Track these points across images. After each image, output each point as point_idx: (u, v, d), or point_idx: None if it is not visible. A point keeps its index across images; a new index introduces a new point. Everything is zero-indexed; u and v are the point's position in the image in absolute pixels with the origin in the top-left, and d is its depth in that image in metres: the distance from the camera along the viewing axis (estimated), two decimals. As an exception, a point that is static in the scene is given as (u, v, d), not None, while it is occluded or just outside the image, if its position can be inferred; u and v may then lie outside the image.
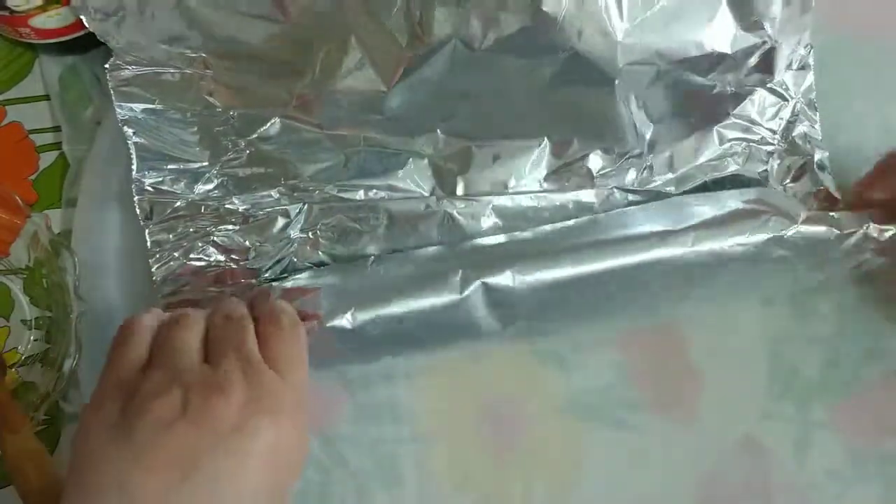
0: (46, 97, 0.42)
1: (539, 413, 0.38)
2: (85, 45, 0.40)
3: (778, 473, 0.38)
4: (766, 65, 0.39)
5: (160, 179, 0.36)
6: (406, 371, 0.38)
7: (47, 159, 0.41)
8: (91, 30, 0.37)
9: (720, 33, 0.37)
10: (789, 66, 0.40)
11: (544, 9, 0.34)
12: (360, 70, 0.36)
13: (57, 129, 0.41)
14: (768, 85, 0.40)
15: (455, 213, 0.38)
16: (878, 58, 0.41)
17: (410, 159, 0.38)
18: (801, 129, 0.40)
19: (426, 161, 0.38)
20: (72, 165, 0.40)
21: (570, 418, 0.38)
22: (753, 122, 0.40)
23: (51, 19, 0.38)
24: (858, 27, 0.41)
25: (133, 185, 0.36)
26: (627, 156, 0.39)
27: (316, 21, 0.36)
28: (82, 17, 0.37)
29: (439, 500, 0.38)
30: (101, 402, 0.29)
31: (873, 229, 0.35)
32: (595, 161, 0.39)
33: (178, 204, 0.36)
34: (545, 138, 0.38)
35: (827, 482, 0.38)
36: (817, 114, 0.40)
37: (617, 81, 0.36)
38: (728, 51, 0.37)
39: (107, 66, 0.36)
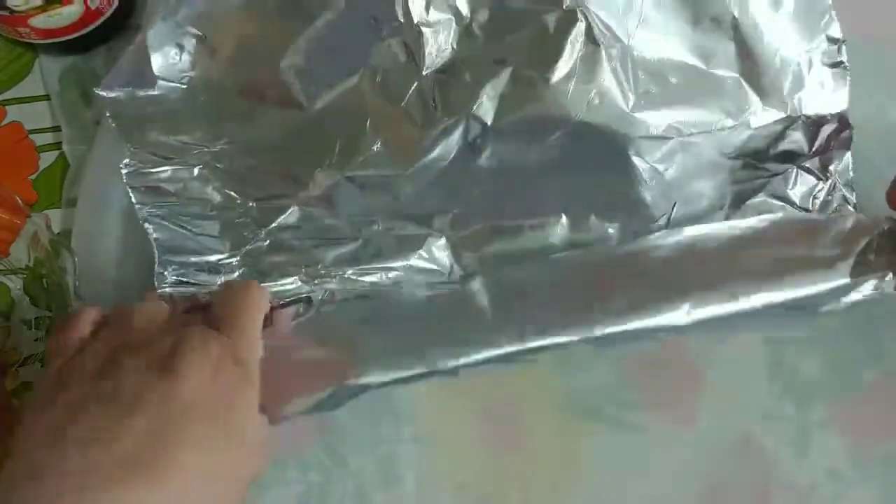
0: (46, 97, 0.42)
1: (539, 413, 0.38)
2: (85, 45, 0.41)
3: (778, 473, 0.38)
4: (799, 144, 0.38)
5: (182, 272, 0.36)
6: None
7: (47, 159, 0.41)
8: (113, 126, 0.36)
9: (744, 109, 0.37)
10: (825, 146, 0.38)
11: (553, 83, 0.35)
12: (377, 155, 0.36)
13: (57, 129, 0.41)
14: (802, 164, 0.38)
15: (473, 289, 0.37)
16: (878, 58, 0.41)
17: (428, 239, 0.38)
18: (836, 205, 0.39)
19: (443, 240, 0.38)
20: (72, 165, 0.41)
21: (570, 418, 0.38)
22: (787, 200, 0.38)
23: (51, 19, 0.38)
24: (859, 27, 0.41)
25: (155, 278, 0.36)
26: (647, 231, 0.38)
27: (332, 108, 0.36)
28: (108, 114, 0.36)
29: (439, 500, 0.38)
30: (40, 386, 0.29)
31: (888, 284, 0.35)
32: (614, 235, 0.38)
33: (201, 294, 0.36)
34: (562, 214, 0.38)
35: (827, 482, 0.38)
36: (854, 193, 0.39)
37: (631, 154, 0.36)
38: (753, 128, 0.37)
39: (123, 165, 0.36)
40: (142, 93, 0.37)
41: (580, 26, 0.36)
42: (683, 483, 0.38)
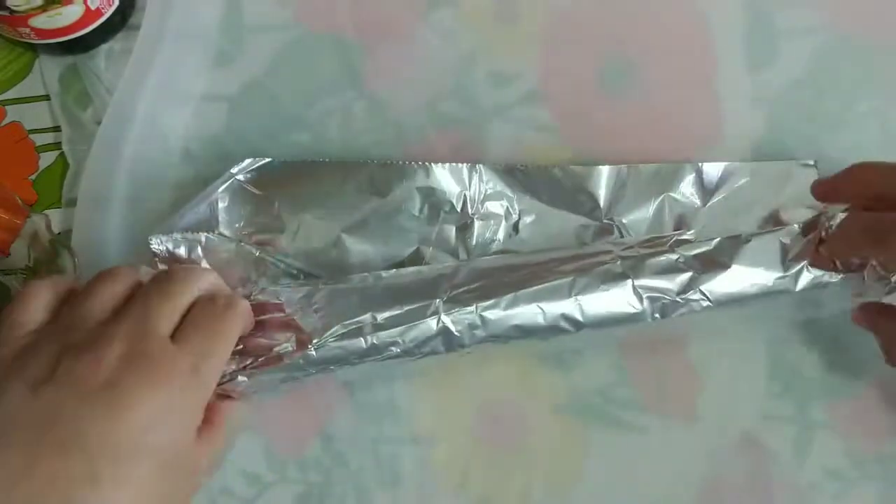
0: (46, 97, 0.42)
1: (539, 413, 0.38)
2: (85, 45, 0.41)
3: (778, 473, 0.38)
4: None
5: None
6: (406, 371, 0.38)
7: (47, 159, 0.41)
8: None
9: None
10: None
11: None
12: None
13: (57, 129, 0.41)
14: None
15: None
16: (878, 58, 0.41)
17: None
18: None
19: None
20: (72, 165, 0.41)
21: (570, 418, 0.38)
22: None
23: (51, 19, 0.38)
24: (858, 27, 0.41)
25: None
26: None
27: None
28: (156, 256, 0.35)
29: (439, 500, 0.38)
30: None
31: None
32: None
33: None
34: None
35: (827, 482, 0.38)
36: None
37: None
38: None
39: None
40: (193, 237, 0.36)
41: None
42: (683, 483, 0.38)
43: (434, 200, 0.39)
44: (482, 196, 0.39)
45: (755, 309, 0.35)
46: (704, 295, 0.34)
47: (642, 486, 0.38)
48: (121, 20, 0.41)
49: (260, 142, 0.40)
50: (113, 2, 0.40)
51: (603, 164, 0.39)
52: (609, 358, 0.39)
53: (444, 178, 0.39)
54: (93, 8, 0.39)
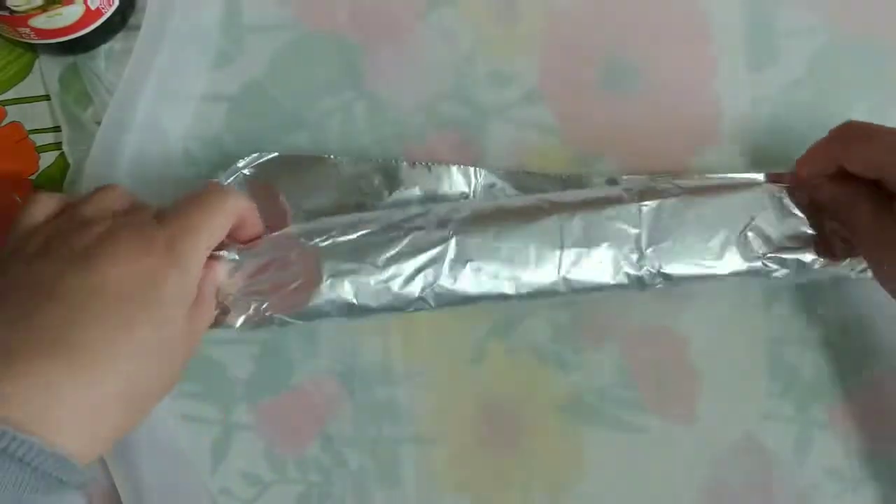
0: (46, 97, 0.42)
1: (539, 413, 0.38)
2: (85, 45, 0.40)
3: (778, 473, 0.38)
4: None
5: None
6: (406, 371, 0.38)
7: (47, 159, 0.41)
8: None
9: None
10: None
11: None
12: None
13: (57, 129, 0.41)
14: None
15: None
16: (878, 58, 0.41)
17: None
18: None
19: None
20: (72, 165, 0.40)
21: (570, 418, 0.38)
22: None
23: (51, 19, 0.38)
24: (858, 27, 0.41)
25: None
26: None
27: None
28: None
29: (439, 500, 0.38)
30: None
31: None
32: None
33: None
34: None
35: (827, 482, 0.38)
36: None
37: None
38: None
39: None
40: None
41: None
42: (683, 483, 0.38)
43: (437, 200, 0.39)
44: (483, 195, 0.39)
45: (725, 204, 0.36)
46: (678, 185, 0.36)
47: (642, 487, 0.38)
48: (121, 20, 0.41)
49: (260, 142, 0.40)
50: (113, 2, 0.40)
51: (603, 164, 0.39)
52: (609, 358, 0.39)
53: (446, 178, 0.39)
54: (93, 8, 0.39)
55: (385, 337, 0.39)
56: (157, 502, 0.37)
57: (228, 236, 0.34)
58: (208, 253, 0.32)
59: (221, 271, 0.34)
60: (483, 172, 0.39)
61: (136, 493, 0.37)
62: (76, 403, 0.27)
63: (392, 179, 0.39)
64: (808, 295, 0.39)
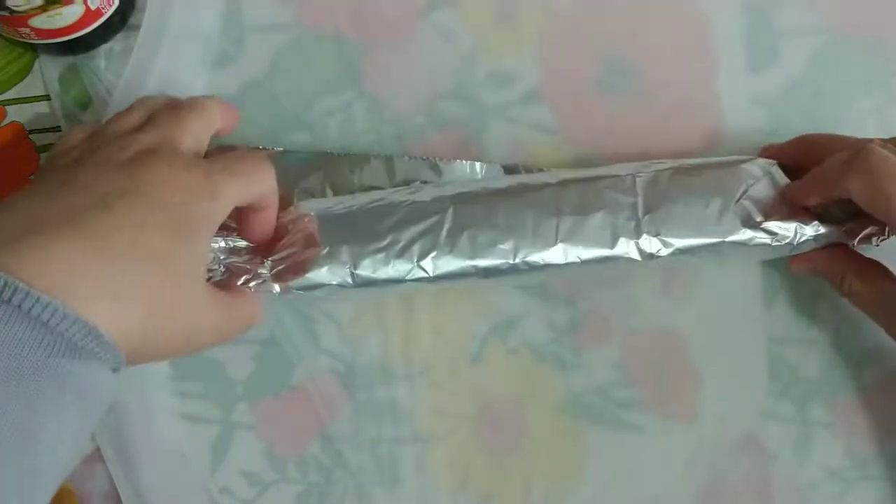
0: (46, 97, 0.42)
1: (539, 413, 0.38)
2: (85, 45, 0.40)
3: (777, 473, 0.38)
4: None
5: None
6: (406, 371, 0.38)
7: (47, 159, 0.41)
8: None
9: None
10: None
11: None
12: None
13: (57, 129, 0.41)
14: None
15: None
16: (878, 58, 0.41)
17: None
18: None
19: None
20: (72, 165, 0.40)
21: (570, 418, 0.38)
22: None
23: (51, 19, 0.38)
24: (858, 27, 0.41)
25: None
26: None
27: None
28: None
29: (439, 500, 0.38)
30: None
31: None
32: None
33: None
34: None
35: (827, 482, 0.38)
36: None
37: None
38: None
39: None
40: None
41: None
42: (683, 483, 0.38)
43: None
44: None
45: (718, 175, 0.36)
46: (671, 165, 0.37)
47: (642, 486, 0.38)
48: (121, 20, 0.41)
49: (260, 142, 0.40)
50: (113, 2, 0.40)
51: (603, 163, 0.39)
52: (609, 358, 0.39)
53: (451, 173, 0.39)
54: (93, 8, 0.39)
55: (385, 337, 0.39)
56: (157, 502, 0.37)
57: (242, 226, 0.34)
58: (238, 203, 0.32)
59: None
60: (484, 167, 0.39)
61: (136, 493, 0.37)
62: (98, 284, 0.26)
63: (399, 174, 0.39)
64: (808, 295, 0.39)
